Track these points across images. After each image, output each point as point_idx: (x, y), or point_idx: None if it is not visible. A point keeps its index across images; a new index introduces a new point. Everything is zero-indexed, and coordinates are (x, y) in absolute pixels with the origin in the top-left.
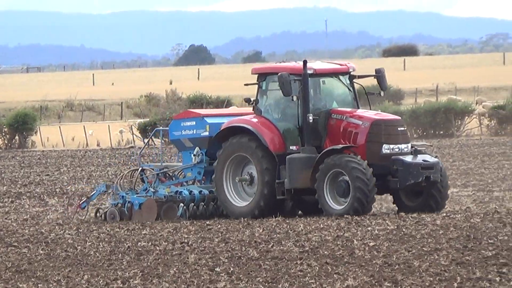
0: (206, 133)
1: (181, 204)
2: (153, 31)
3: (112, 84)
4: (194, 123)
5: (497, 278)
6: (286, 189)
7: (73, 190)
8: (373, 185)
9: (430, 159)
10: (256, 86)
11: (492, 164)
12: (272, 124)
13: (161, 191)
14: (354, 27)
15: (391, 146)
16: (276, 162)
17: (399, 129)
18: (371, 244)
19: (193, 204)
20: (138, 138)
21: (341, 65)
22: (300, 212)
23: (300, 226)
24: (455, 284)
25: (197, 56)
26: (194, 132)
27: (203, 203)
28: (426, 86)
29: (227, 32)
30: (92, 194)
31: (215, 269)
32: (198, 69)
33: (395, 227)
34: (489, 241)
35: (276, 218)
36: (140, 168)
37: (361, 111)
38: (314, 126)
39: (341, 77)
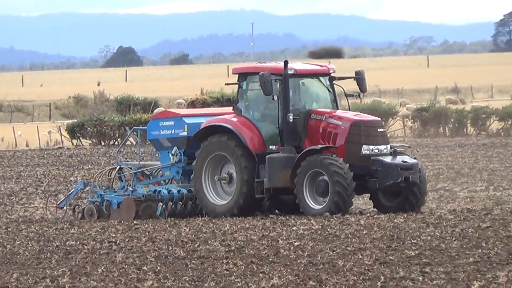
0: (185, 133)
1: (160, 203)
2: (81, 33)
3: (41, 85)
4: (172, 123)
5: (420, 278)
6: (265, 188)
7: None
8: (352, 183)
9: (409, 160)
10: (236, 86)
11: None
12: (252, 124)
13: (140, 190)
14: (280, 29)
15: (371, 147)
16: (255, 161)
17: (378, 130)
18: (296, 243)
19: (171, 203)
20: (66, 139)
21: (321, 66)
22: (277, 211)
23: (226, 226)
24: (379, 283)
25: (125, 58)
26: (173, 132)
27: (181, 202)
28: (351, 89)
29: (155, 34)
30: (70, 192)
31: (143, 268)
32: (126, 70)
33: (320, 227)
34: (412, 241)
35: (203, 218)
36: (118, 167)
37: (340, 112)
38: (293, 126)
39: (321, 78)
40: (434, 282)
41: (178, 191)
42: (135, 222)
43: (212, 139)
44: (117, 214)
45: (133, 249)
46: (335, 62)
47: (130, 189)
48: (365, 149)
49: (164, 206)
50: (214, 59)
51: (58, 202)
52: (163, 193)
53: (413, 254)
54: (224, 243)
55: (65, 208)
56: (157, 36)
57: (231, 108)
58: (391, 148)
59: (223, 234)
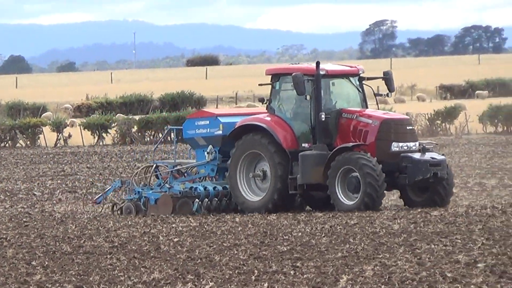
0: (220, 132)
1: (196, 200)
2: None
3: None
4: (208, 122)
5: (291, 272)
6: (298, 185)
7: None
8: (383, 181)
9: (438, 156)
10: (269, 86)
11: None
12: (285, 122)
13: (176, 187)
14: (160, 39)
15: (400, 144)
16: (288, 158)
17: (407, 127)
18: (176, 239)
19: (207, 199)
20: None
21: (351, 67)
22: (308, 207)
23: (110, 223)
24: (253, 277)
25: (15, 65)
26: (208, 131)
27: (216, 199)
28: (226, 94)
29: (43, 43)
30: (107, 189)
31: (32, 263)
32: (16, 77)
33: (198, 224)
34: (284, 237)
35: (88, 216)
36: (155, 165)
37: (370, 111)
38: (325, 125)
39: (351, 78)
40: (305, 276)
41: (214, 188)
42: (24, 219)
43: (247, 138)
44: (154, 209)
45: (22, 245)
46: (212, 69)
47: (167, 186)
48: (395, 146)
49: (200, 202)
50: (98, 67)
51: (96, 197)
52: (199, 189)
53: (285, 249)
54: (108, 239)
55: (102, 203)
56: (45, 45)
57: (265, 107)
58: (419, 145)
59: (107, 231)
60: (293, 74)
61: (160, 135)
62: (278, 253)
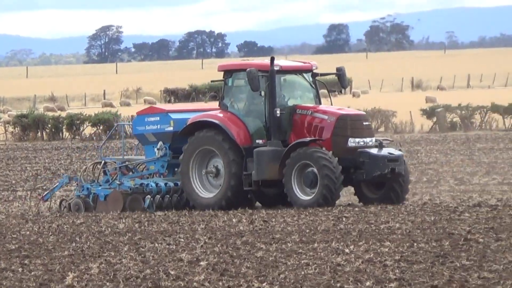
0: (171, 128)
1: (148, 196)
2: None
3: None
4: (158, 118)
5: (19, 269)
6: (253, 181)
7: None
8: (340, 173)
9: (395, 152)
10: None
11: (16, 166)
12: (238, 119)
13: (127, 183)
14: None
15: (357, 139)
16: (242, 154)
17: (364, 123)
18: None
19: (158, 196)
20: None
21: (304, 63)
22: (258, 203)
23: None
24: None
25: None
26: (158, 127)
27: (168, 195)
28: None
29: None
30: (54, 186)
31: None
32: None
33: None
34: (13, 235)
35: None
36: (103, 161)
37: (324, 107)
38: (279, 121)
39: (304, 74)
40: (33, 273)
41: (165, 184)
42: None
43: (200, 134)
44: (104, 206)
45: None
46: None
47: (117, 182)
48: (352, 142)
49: (152, 198)
50: None
51: (43, 194)
52: (151, 186)
53: (13, 247)
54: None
55: (49, 200)
56: None
57: (217, 104)
58: (376, 140)
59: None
60: (247, 69)
61: None
62: (7, 251)
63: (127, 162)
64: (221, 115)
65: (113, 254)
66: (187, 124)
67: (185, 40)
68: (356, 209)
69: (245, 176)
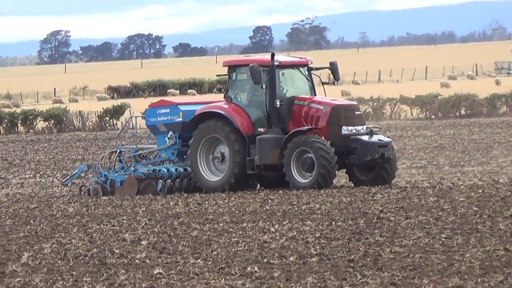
0: (180, 119)
1: (160, 181)
2: None
3: None
4: (168, 110)
5: None
6: (256, 165)
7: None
8: (335, 163)
9: (384, 138)
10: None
11: None
12: (242, 109)
13: (140, 169)
14: None
15: (350, 127)
16: (246, 142)
17: (356, 113)
18: None
19: (170, 180)
20: None
21: (301, 58)
22: (260, 186)
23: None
24: None
25: None
26: (169, 118)
27: (178, 180)
28: None
29: None
30: (74, 172)
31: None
32: None
33: None
34: None
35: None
36: (118, 150)
37: (319, 98)
38: (279, 111)
39: (301, 68)
40: None
41: (176, 170)
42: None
43: (209, 123)
44: (120, 191)
45: None
46: None
47: (132, 168)
48: (345, 130)
49: (163, 183)
50: None
51: (64, 179)
52: (163, 171)
53: None
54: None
55: (69, 185)
56: None
57: (222, 96)
58: (367, 128)
59: None
60: (250, 65)
61: None
62: None
63: (140, 151)
64: (226, 106)
65: (63, 235)
66: (196, 115)
67: (126, 43)
68: (280, 192)
69: (248, 161)
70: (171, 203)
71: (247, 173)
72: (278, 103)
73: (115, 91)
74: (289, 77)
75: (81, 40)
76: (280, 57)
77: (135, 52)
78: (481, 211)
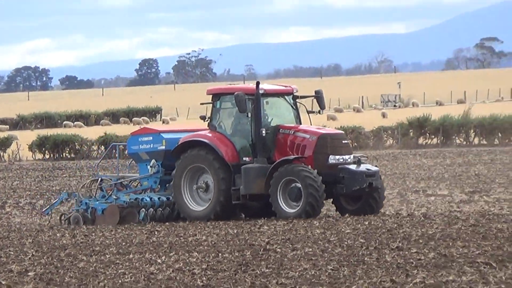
0: (163, 147)
1: (143, 209)
2: None
3: None
4: (151, 138)
5: None
6: (241, 195)
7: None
8: (323, 191)
9: (372, 167)
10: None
11: None
12: (226, 138)
13: (122, 197)
14: None
15: (337, 156)
16: (231, 171)
17: (343, 142)
18: None
19: (152, 209)
20: None
21: (286, 86)
22: (243, 215)
23: None
24: None
25: None
26: (151, 146)
27: (160, 208)
28: None
29: None
30: (54, 201)
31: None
32: None
33: None
34: None
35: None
36: (99, 179)
37: (305, 126)
38: (264, 140)
39: (286, 97)
40: None
41: (158, 199)
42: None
43: (192, 152)
44: (102, 219)
45: None
46: None
47: (114, 197)
48: (332, 159)
49: (146, 211)
50: None
51: (43, 209)
52: (146, 200)
53: None
54: None
55: (50, 214)
56: None
57: (206, 125)
58: (354, 157)
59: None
60: (235, 93)
61: None
62: None
63: (121, 179)
64: (210, 135)
65: None
66: (180, 143)
67: (13, 75)
68: (167, 223)
69: (233, 191)
70: (58, 234)
71: (233, 203)
72: (264, 132)
73: (2, 123)
74: (274, 106)
75: None
76: (265, 85)
77: (21, 85)
78: (367, 242)
